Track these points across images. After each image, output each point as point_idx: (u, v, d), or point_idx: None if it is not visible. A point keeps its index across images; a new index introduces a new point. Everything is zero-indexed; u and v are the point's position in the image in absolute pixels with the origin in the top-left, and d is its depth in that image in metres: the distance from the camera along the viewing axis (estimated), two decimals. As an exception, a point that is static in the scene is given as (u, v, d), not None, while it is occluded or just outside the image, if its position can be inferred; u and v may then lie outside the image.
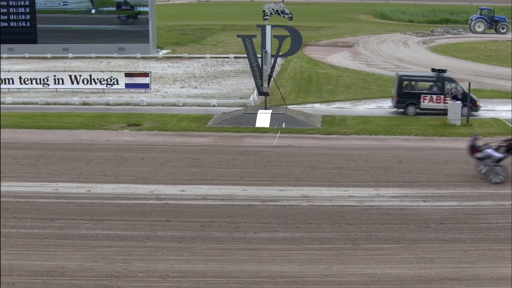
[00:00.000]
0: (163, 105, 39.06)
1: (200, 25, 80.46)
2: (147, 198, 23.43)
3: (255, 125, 33.81)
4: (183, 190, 24.19)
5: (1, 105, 37.50)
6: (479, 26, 76.60)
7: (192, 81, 46.37)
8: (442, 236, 20.34)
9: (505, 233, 20.57)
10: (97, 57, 55.75)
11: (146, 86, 41.70)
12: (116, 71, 43.48)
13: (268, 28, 35.11)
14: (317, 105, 39.37)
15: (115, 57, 55.92)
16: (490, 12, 77.32)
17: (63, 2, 57.07)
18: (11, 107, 37.92)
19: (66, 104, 39.16)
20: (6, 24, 56.21)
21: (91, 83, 41.75)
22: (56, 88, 41.89)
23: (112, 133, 32.60)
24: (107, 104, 38.95)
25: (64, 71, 44.51)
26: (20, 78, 41.94)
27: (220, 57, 56.80)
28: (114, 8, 57.41)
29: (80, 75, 42.12)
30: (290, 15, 36.32)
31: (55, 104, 39.09)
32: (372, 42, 67.75)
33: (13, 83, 41.89)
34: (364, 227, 20.95)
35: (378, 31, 77.62)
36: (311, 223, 21.30)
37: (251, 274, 17.91)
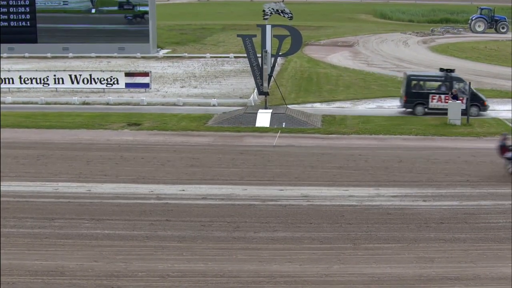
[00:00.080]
0: (163, 104, 39.06)
1: (200, 25, 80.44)
2: (147, 197, 23.43)
3: (255, 124, 33.81)
4: (183, 190, 24.18)
5: (1, 105, 37.50)
6: (479, 26, 76.56)
7: (192, 80, 46.37)
8: (442, 235, 20.33)
9: (505, 232, 20.56)
10: (97, 57, 55.74)
11: (146, 85, 41.70)
12: (116, 71, 43.48)
13: (268, 27, 35.11)
14: (317, 105, 39.37)
15: (115, 57, 55.90)
16: (490, 11, 77.29)
17: (63, 1, 57.05)
18: (11, 106, 37.92)
19: (66, 103, 39.16)
20: (6, 23, 56.18)
21: (91, 83, 41.76)
22: (56, 88, 41.89)
23: (112, 132, 32.60)
24: (107, 104, 38.95)
25: (64, 70, 44.54)
26: (20, 77, 41.94)
27: (220, 57, 56.78)
28: (116, 8, 57.40)
29: (80, 75, 42.13)
30: (290, 15, 36.32)
31: (55, 103, 39.09)
32: (372, 42, 67.73)
33: (13, 82, 41.89)
34: (364, 227, 20.95)
35: (378, 30, 77.59)
36: (311, 222, 21.29)
37: (251, 273, 17.91)
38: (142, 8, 57.23)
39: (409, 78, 37.15)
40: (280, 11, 36.22)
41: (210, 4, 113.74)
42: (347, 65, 53.31)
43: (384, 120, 35.22)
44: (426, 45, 65.71)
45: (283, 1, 38.38)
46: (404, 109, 37.06)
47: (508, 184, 24.71)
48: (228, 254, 18.99)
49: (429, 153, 28.98)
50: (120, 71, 43.48)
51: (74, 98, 39.72)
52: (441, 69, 37.99)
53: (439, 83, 36.92)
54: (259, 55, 35.72)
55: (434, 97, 36.15)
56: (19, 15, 56.35)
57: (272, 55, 35.65)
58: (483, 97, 36.90)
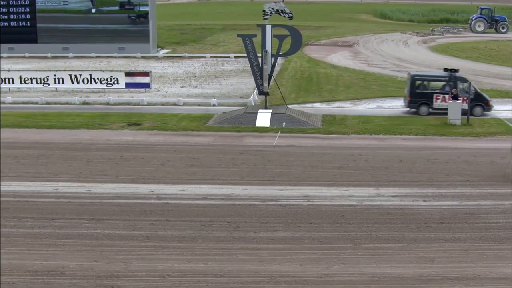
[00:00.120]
0: (163, 104, 39.06)
1: (200, 25, 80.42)
2: (147, 197, 23.43)
3: (255, 124, 33.81)
4: (183, 190, 24.18)
5: (1, 105, 37.49)
6: (479, 26, 76.53)
7: (192, 80, 46.37)
8: (442, 235, 20.33)
9: (505, 232, 20.56)
10: (97, 57, 55.72)
11: (146, 85, 41.69)
12: (116, 71, 43.47)
13: (268, 27, 35.11)
14: (317, 105, 39.37)
15: (115, 57, 55.88)
16: (491, 11, 77.25)
17: (63, 1, 57.01)
18: (11, 106, 37.91)
19: (66, 103, 39.15)
20: (6, 23, 56.15)
21: (91, 83, 41.75)
22: (56, 88, 41.89)
23: (112, 132, 32.60)
24: (107, 104, 38.94)
25: (64, 70, 44.53)
26: (20, 77, 41.92)
27: (220, 57, 56.77)
28: (116, 8, 57.39)
29: (80, 75, 42.11)
30: (290, 15, 36.32)
31: (55, 103, 39.08)
32: (372, 42, 67.72)
33: (13, 82, 41.86)
34: (364, 227, 20.95)
35: (378, 30, 77.57)
36: (311, 222, 21.29)
37: (251, 273, 17.90)
38: (142, 8, 57.24)
39: (413, 78, 37.15)
40: (280, 11, 36.22)
41: (210, 4, 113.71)
42: (347, 65, 53.31)
43: (384, 120, 35.23)
44: (426, 45, 65.70)
45: (283, 1, 38.38)
46: (408, 109, 37.08)
47: (508, 184, 24.70)
48: (228, 254, 18.98)
49: (429, 153, 28.98)
50: (120, 71, 43.46)
51: (74, 98, 39.72)
52: (445, 69, 38.01)
53: (443, 83, 36.93)
54: (259, 55, 35.72)
55: (438, 97, 36.13)
56: (19, 15, 56.32)
57: (272, 55, 35.65)
58: (487, 97, 36.92)
